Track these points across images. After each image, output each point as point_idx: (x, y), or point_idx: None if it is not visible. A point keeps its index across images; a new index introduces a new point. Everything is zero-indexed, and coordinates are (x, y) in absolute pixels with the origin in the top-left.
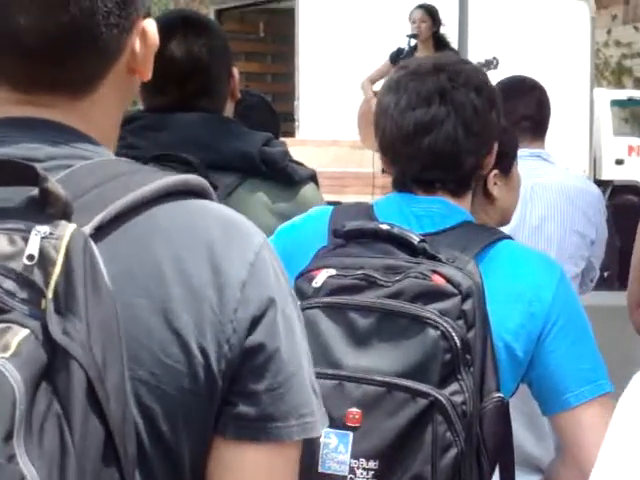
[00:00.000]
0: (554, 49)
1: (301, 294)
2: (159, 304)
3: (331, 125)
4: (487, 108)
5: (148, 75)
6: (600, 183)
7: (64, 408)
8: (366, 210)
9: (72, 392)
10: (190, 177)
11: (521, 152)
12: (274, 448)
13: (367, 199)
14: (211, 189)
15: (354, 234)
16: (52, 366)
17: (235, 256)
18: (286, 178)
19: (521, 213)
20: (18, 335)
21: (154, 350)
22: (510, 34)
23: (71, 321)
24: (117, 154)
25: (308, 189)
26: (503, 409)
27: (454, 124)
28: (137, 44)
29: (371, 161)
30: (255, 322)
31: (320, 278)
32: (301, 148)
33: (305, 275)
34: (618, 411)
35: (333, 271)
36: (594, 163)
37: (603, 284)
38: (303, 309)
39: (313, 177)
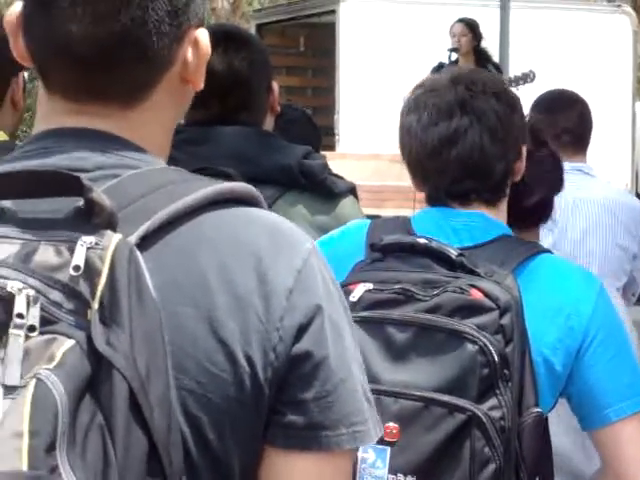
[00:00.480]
0: (596, 63)
1: None
2: (205, 313)
3: (371, 139)
4: (509, 112)
5: (200, 85)
6: None
7: (107, 419)
8: (404, 224)
9: (115, 403)
10: (237, 185)
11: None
12: (324, 457)
13: (407, 213)
14: (260, 196)
15: (392, 248)
16: (96, 377)
17: (282, 264)
18: (325, 191)
19: (563, 226)
20: (63, 346)
21: (199, 359)
22: (552, 48)
23: (115, 332)
24: None
25: (347, 202)
26: (542, 424)
27: (479, 132)
28: (189, 53)
29: None
30: (302, 330)
31: (357, 292)
32: (341, 162)
33: (342, 289)
34: None
35: (370, 285)
36: (636, 177)
37: None
38: None
39: (352, 190)
